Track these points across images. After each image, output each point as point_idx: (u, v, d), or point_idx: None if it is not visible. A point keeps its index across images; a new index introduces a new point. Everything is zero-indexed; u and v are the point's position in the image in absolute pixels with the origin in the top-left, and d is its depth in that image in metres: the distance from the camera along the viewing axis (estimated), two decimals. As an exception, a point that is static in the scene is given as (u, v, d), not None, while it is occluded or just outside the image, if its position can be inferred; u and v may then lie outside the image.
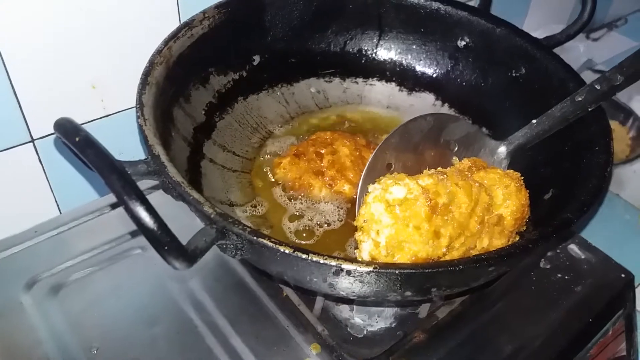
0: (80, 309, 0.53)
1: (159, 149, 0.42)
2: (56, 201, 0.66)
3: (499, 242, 0.46)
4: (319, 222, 0.55)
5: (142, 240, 0.58)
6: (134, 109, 0.63)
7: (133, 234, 0.61)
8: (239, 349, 0.50)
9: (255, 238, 0.37)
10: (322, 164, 0.58)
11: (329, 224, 0.56)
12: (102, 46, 0.59)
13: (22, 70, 0.55)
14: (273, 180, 0.59)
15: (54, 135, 0.61)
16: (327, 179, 0.57)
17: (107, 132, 0.64)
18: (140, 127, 0.44)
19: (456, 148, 0.54)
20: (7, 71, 0.54)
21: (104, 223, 0.62)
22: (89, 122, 0.63)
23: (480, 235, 0.44)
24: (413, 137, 0.51)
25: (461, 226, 0.43)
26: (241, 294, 0.55)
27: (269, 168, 0.60)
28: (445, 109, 0.68)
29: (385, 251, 0.41)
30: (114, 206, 0.64)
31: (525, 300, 0.58)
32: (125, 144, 0.65)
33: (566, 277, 0.60)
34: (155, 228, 0.31)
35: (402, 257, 0.41)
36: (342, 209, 0.57)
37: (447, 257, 0.43)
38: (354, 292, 0.40)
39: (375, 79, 0.70)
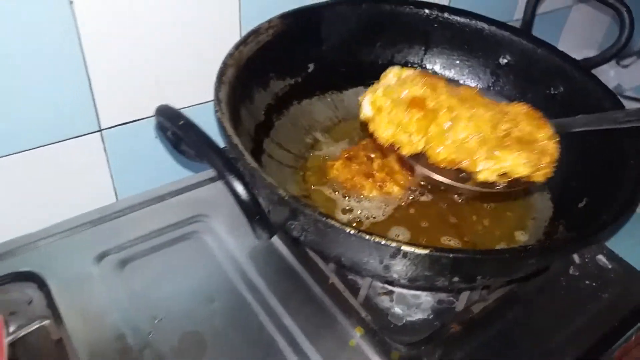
0: (144, 284, 0.59)
1: (236, 140, 0.48)
2: (114, 189, 0.71)
3: (522, 169, 0.46)
4: (366, 216, 0.60)
5: (197, 226, 0.65)
6: (190, 107, 0.69)
7: (187, 221, 0.66)
8: (290, 327, 0.55)
9: (324, 219, 0.42)
10: (373, 167, 0.63)
11: (374, 217, 0.60)
12: (169, 45, 0.64)
13: (99, 61, 0.59)
14: (326, 179, 0.64)
15: (119, 127, 0.66)
16: (377, 180, 0.62)
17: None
18: (219, 120, 0.50)
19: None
20: (85, 62, 0.59)
21: (160, 210, 0.68)
22: (149, 117, 0.68)
23: (501, 145, 0.45)
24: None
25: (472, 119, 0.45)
26: (290, 279, 0.60)
27: (321, 167, 0.65)
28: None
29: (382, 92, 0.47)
30: (171, 195, 0.69)
31: (554, 304, 0.61)
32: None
33: (593, 284, 0.64)
34: (249, 201, 0.36)
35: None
36: (388, 206, 0.61)
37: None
38: (406, 275, 0.44)
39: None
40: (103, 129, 0.65)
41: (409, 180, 0.62)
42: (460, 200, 0.62)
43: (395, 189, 0.61)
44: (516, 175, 0.45)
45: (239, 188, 0.36)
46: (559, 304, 0.61)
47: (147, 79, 0.65)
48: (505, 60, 0.70)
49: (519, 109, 0.48)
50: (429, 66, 0.74)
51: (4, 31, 0.52)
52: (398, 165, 0.63)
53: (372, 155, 0.64)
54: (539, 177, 0.46)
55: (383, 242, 0.41)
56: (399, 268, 0.44)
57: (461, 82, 0.73)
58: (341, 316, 0.56)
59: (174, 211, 0.67)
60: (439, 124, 0.44)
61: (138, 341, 0.53)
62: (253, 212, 0.36)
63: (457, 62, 0.73)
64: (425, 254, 0.41)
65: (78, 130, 0.64)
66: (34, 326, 0.52)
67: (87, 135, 0.65)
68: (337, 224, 0.41)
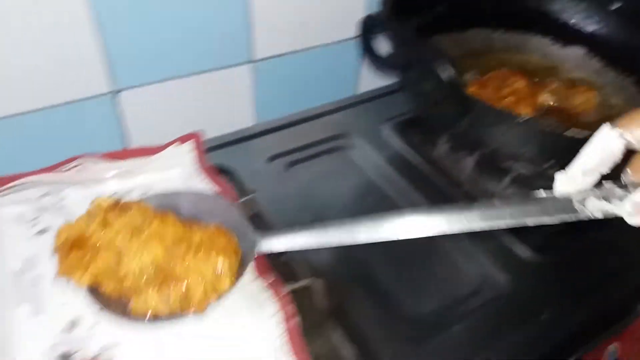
0: (307, 181, 0.69)
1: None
2: (256, 114, 0.81)
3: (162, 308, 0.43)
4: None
5: (342, 141, 0.75)
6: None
7: (335, 137, 0.77)
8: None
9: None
10: (503, 93, 0.71)
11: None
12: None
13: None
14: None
15: (271, 59, 0.76)
16: (508, 105, 0.70)
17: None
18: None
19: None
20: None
21: (311, 127, 0.79)
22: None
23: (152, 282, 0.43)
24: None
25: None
26: (425, 182, 0.70)
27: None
28: (595, 63, 0.80)
29: None
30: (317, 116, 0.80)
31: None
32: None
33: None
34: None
35: None
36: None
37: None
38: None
39: (533, 31, 0.83)
40: (256, 61, 0.75)
41: (536, 105, 0.71)
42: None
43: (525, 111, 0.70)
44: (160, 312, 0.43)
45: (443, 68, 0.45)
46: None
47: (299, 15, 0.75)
48: (619, 4, 0.77)
49: (203, 236, 0.45)
50: (545, 9, 0.81)
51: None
52: (524, 92, 0.71)
53: (500, 85, 0.73)
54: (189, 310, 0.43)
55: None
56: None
57: (573, 22, 0.80)
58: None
59: (322, 129, 0.78)
60: (103, 260, 0.44)
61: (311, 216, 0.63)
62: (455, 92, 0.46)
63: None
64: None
65: (231, 61, 0.73)
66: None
67: (239, 66, 0.74)
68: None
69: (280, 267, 0.51)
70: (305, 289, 0.52)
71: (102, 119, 0.66)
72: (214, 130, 0.73)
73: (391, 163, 0.72)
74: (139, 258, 0.43)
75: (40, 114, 0.61)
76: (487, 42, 0.82)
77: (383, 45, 0.64)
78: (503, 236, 0.63)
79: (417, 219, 0.42)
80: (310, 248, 0.44)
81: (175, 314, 0.42)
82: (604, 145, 0.39)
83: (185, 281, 0.42)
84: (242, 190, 0.63)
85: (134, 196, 0.58)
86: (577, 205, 0.39)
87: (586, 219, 0.40)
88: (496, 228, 0.41)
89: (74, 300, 0.48)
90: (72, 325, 0.46)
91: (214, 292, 0.43)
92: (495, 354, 0.51)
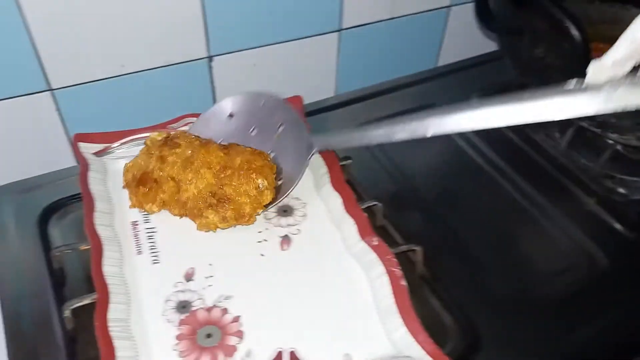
0: (394, 152, 0.69)
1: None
2: (336, 85, 0.82)
3: (221, 225, 0.53)
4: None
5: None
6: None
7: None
8: (527, 190, 0.64)
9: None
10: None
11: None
12: None
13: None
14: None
15: (357, 28, 0.76)
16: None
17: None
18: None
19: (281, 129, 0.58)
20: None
21: (395, 97, 0.79)
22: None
23: (208, 203, 0.52)
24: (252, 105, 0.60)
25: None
26: (523, 158, 0.69)
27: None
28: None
29: None
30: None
31: None
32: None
33: None
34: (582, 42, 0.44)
35: None
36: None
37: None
38: None
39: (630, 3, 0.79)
40: (342, 29, 0.76)
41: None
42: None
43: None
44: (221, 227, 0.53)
45: (575, 32, 0.44)
46: None
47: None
48: None
49: (242, 159, 0.53)
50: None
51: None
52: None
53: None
54: (243, 223, 0.52)
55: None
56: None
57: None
58: (574, 187, 0.65)
59: (405, 100, 0.78)
60: (166, 192, 0.53)
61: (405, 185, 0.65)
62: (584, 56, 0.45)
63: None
64: None
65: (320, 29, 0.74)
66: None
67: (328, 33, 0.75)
68: None
69: (378, 233, 0.52)
70: (404, 254, 0.53)
71: (198, 82, 0.69)
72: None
73: (479, 134, 0.72)
74: (195, 185, 0.52)
75: (148, 73, 0.65)
76: (582, 14, 0.79)
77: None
78: (601, 214, 0.62)
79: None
80: (359, 145, 0.54)
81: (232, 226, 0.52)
82: (635, 36, 0.39)
83: (236, 200, 0.51)
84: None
85: None
86: (606, 95, 0.39)
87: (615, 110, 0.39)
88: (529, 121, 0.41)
89: (188, 252, 0.50)
90: (188, 276, 0.49)
91: (259, 205, 0.52)
92: (592, 331, 0.51)
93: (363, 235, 0.51)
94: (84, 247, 0.50)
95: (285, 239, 0.53)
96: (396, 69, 0.83)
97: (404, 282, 0.46)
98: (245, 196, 0.52)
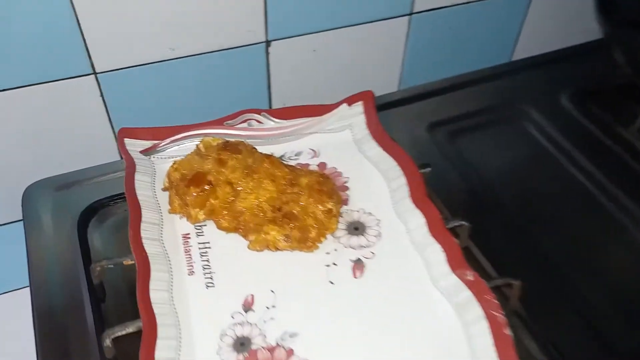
0: (472, 153, 0.61)
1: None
2: (401, 78, 0.73)
3: (282, 244, 0.46)
4: None
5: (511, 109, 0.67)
6: None
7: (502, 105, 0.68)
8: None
9: None
10: None
11: None
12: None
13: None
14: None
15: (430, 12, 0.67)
16: None
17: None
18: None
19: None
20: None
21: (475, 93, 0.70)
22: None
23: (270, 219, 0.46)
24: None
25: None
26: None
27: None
28: None
29: None
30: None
31: None
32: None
33: None
34: None
35: None
36: None
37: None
38: None
39: None
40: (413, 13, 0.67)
41: None
42: None
43: None
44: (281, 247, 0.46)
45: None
46: None
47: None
48: None
49: (310, 180, 0.48)
50: None
51: None
52: None
53: None
54: (305, 249, 0.46)
55: None
56: None
57: None
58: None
59: (479, 97, 0.69)
60: (219, 198, 0.46)
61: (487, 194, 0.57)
62: None
63: None
64: None
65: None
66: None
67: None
68: None
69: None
70: (498, 288, 0.45)
71: (253, 69, 0.63)
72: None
73: (567, 136, 0.63)
74: (256, 195, 0.46)
75: (199, 59, 0.59)
76: None
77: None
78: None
79: None
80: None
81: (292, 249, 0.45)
82: None
83: (304, 220, 0.45)
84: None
85: (304, 159, 0.54)
86: None
87: None
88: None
89: (246, 275, 0.43)
90: (247, 305, 0.42)
91: (324, 232, 0.46)
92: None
93: (454, 266, 0.43)
94: (128, 262, 0.44)
95: (358, 264, 0.45)
96: (467, 62, 0.75)
97: (508, 331, 0.38)
98: (312, 218, 0.45)
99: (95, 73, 0.56)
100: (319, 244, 0.45)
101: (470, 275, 0.42)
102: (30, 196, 0.54)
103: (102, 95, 0.57)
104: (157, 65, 0.58)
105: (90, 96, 0.57)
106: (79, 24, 0.51)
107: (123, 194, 0.47)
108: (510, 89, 0.71)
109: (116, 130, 0.59)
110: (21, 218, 0.53)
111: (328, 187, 0.47)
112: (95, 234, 0.51)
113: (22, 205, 0.53)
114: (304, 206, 0.45)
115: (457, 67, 0.74)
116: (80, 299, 0.46)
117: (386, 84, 0.73)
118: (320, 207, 0.45)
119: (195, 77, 0.61)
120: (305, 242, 0.45)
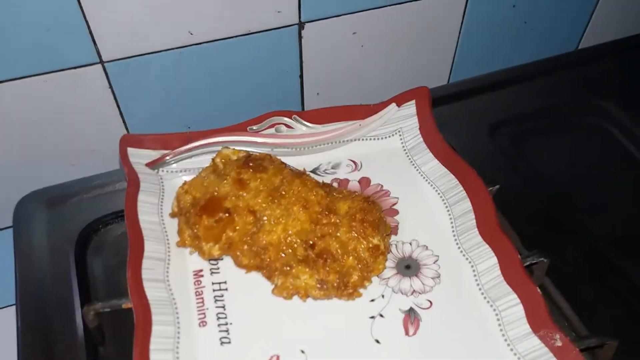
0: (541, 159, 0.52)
1: None
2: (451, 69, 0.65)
3: (316, 292, 0.37)
4: None
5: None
6: None
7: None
8: None
9: None
10: None
11: None
12: None
13: None
14: None
15: None
16: None
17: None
18: None
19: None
20: None
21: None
22: None
23: (301, 258, 0.37)
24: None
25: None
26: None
27: None
28: None
29: None
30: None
31: None
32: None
33: None
34: None
35: None
36: None
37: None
38: None
39: None
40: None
41: None
42: None
43: None
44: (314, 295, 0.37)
45: None
46: None
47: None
48: None
49: (352, 206, 0.38)
50: None
51: None
52: None
53: None
54: (344, 297, 0.37)
55: None
56: None
57: None
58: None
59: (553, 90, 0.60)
60: (238, 229, 0.37)
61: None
62: None
63: None
64: None
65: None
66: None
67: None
68: None
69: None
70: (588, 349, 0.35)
71: (283, 56, 0.56)
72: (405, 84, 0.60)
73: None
74: (284, 227, 0.37)
75: (221, 45, 0.52)
76: None
77: None
78: None
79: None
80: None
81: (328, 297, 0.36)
82: None
83: (343, 261, 0.36)
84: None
85: (343, 173, 0.45)
86: None
87: None
88: None
89: (270, 329, 0.35)
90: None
91: (369, 276, 0.37)
92: None
93: (536, 325, 0.34)
94: (128, 305, 0.36)
95: (411, 317, 0.36)
96: (528, 50, 0.66)
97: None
98: (354, 258, 0.36)
99: (102, 62, 0.48)
100: (361, 290, 0.36)
101: (559, 340, 0.33)
102: (23, 210, 0.47)
103: (110, 87, 0.50)
104: (173, 52, 0.51)
105: (97, 89, 0.50)
106: (80, 4, 0.44)
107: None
108: (580, 81, 0.62)
109: (130, 130, 0.52)
110: (11, 225, 0.47)
111: (374, 216, 0.37)
112: (96, 261, 0.44)
113: (13, 221, 0.46)
114: (344, 242, 0.36)
115: (517, 56, 0.65)
116: (74, 342, 0.38)
117: (434, 76, 0.65)
118: (364, 242, 0.36)
119: (216, 67, 0.53)
120: (344, 288, 0.36)
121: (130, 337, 0.35)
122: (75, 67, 0.48)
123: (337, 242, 0.36)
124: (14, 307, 0.45)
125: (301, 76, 0.58)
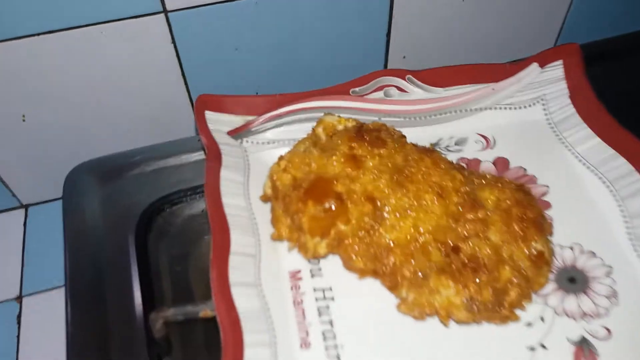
0: None
1: None
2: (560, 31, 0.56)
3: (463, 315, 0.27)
4: None
5: None
6: None
7: None
8: None
9: None
10: None
11: None
12: None
13: None
14: None
15: None
16: None
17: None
18: None
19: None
20: None
21: None
22: None
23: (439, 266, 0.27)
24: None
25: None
26: None
27: None
28: None
29: None
30: None
31: None
32: None
33: None
34: None
35: None
36: None
37: None
38: None
39: None
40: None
41: None
42: None
43: None
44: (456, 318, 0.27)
45: None
46: None
47: None
48: None
49: (502, 197, 0.29)
50: None
51: None
52: None
53: None
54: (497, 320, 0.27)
55: None
56: None
57: None
58: None
59: None
60: (352, 222, 0.28)
61: None
62: None
63: None
64: None
65: None
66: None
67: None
68: None
69: None
70: None
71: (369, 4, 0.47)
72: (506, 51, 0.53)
73: None
74: (413, 221, 0.28)
75: None
76: None
77: None
78: None
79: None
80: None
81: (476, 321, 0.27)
82: None
83: (498, 272, 0.27)
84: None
85: (471, 151, 0.35)
86: None
87: None
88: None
89: (395, 356, 0.27)
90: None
91: (530, 291, 0.28)
92: None
93: None
94: (207, 313, 0.28)
95: (585, 350, 0.27)
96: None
97: None
98: (510, 268, 0.27)
99: (165, 11, 0.40)
100: (518, 311, 0.27)
101: None
102: (74, 183, 0.39)
103: (173, 42, 0.41)
104: (247, 3, 0.41)
105: (159, 43, 0.41)
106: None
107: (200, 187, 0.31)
108: None
109: (192, 94, 0.43)
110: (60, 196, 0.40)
111: (535, 212, 0.28)
112: (161, 247, 0.36)
113: (63, 196, 0.39)
114: (496, 246, 0.27)
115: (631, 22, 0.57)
116: (134, 347, 0.31)
117: (539, 40, 0.55)
118: (524, 248, 0.27)
119: (293, 20, 0.44)
120: (498, 309, 0.27)
121: (202, 346, 0.28)
122: (135, 17, 0.40)
123: (489, 246, 0.27)
124: (60, 289, 0.38)
125: (388, 34, 0.50)
